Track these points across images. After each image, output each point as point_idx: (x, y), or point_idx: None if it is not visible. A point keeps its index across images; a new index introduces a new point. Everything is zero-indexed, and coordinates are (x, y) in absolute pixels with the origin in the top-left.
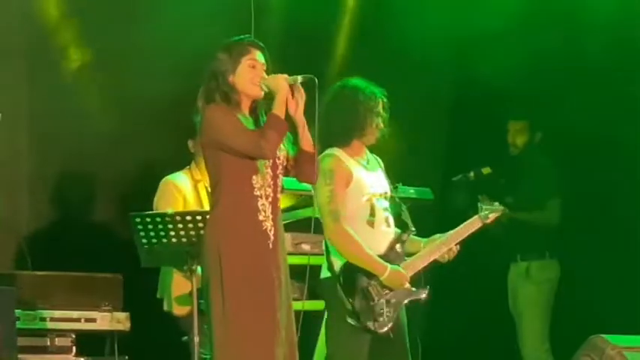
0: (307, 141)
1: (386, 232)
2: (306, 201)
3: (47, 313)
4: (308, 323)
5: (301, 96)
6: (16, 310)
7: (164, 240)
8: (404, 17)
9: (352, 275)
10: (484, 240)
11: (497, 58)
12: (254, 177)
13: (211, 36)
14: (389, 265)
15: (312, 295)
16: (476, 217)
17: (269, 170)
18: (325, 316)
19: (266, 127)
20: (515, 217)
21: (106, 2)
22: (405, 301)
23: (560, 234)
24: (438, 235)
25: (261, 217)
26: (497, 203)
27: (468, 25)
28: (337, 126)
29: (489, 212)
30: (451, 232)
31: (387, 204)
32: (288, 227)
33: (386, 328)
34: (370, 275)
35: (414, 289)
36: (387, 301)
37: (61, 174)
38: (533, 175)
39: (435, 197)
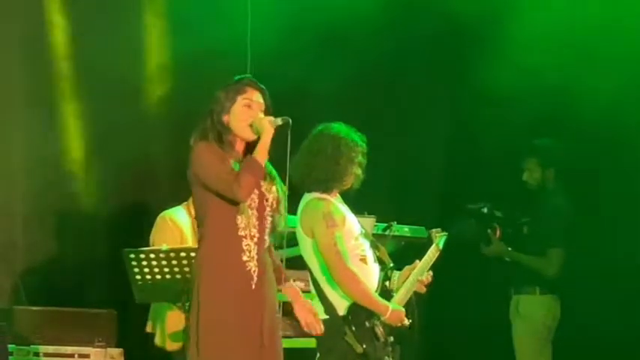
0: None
1: (375, 268)
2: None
3: (41, 349)
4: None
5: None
6: (10, 345)
7: (158, 276)
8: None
9: (359, 317)
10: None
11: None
12: (238, 217)
13: None
14: (390, 305)
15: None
16: (433, 246)
17: (254, 211)
18: (320, 357)
19: (242, 171)
20: (516, 260)
21: None
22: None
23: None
24: (406, 267)
25: (245, 258)
26: (439, 229)
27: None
28: (319, 174)
29: (441, 239)
30: (418, 262)
31: (367, 242)
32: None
33: None
34: (372, 315)
35: (407, 322)
36: (389, 340)
37: (56, 210)
38: (543, 216)
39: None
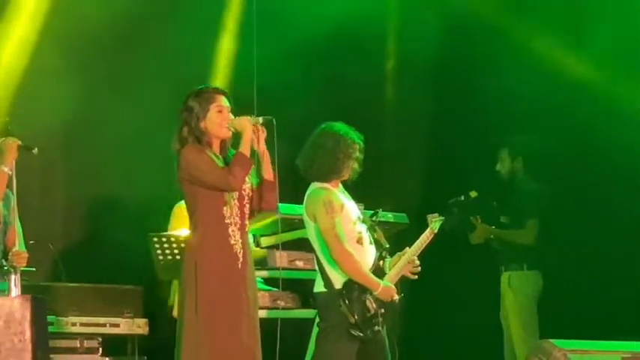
0: (269, 171)
1: (371, 249)
2: (300, 224)
3: (77, 319)
4: (299, 329)
5: (262, 131)
6: (51, 316)
7: (178, 257)
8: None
9: (353, 291)
10: (481, 253)
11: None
12: (224, 208)
13: None
14: (381, 282)
15: (305, 304)
16: (428, 229)
17: (236, 202)
18: (318, 325)
19: (233, 164)
20: (499, 236)
21: None
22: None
23: (539, 247)
24: (397, 253)
25: (232, 242)
26: (436, 214)
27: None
28: (320, 167)
29: (437, 223)
30: (408, 249)
31: (364, 226)
32: (285, 246)
33: (379, 335)
34: (365, 290)
35: (397, 298)
36: (380, 312)
37: (92, 199)
38: (517, 199)
39: (411, 221)
